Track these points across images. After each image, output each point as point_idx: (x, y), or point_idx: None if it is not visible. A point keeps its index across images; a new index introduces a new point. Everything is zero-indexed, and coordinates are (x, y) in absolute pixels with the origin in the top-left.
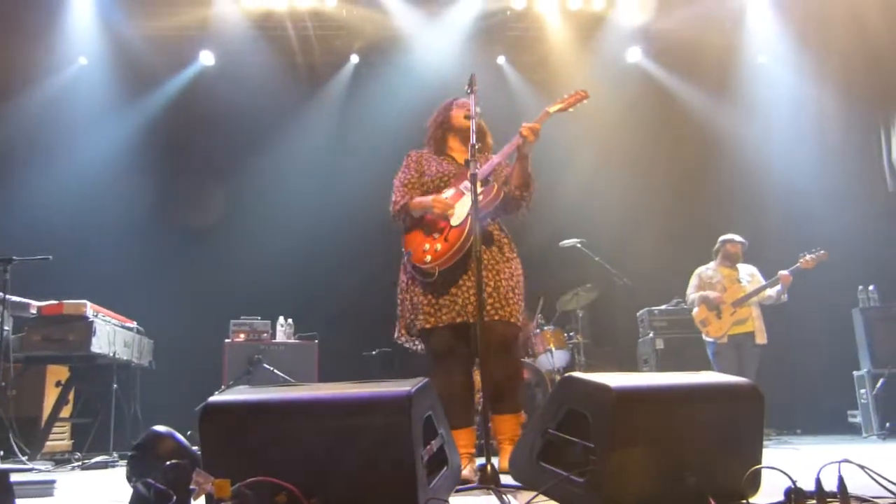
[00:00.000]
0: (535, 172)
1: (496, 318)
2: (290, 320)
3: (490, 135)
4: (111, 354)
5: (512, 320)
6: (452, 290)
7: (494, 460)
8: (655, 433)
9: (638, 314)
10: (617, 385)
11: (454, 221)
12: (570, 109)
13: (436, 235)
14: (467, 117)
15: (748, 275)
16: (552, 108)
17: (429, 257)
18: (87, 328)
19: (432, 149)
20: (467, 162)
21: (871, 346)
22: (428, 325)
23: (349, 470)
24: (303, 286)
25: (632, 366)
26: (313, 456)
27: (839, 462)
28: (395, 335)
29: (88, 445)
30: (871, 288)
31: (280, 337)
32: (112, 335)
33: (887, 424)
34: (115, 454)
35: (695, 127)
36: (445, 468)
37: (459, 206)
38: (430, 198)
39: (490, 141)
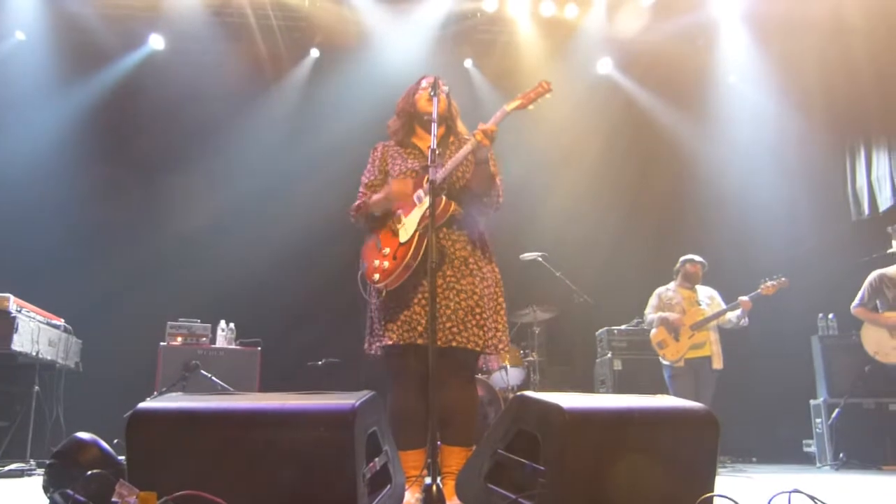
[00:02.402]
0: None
1: (454, 343)
2: (231, 325)
3: (459, 120)
4: (34, 353)
5: (469, 346)
6: (406, 309)
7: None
8: (607, 457)
9: (597, 333)
10: (569, 406)
11: (402, 237)
12: (531, 107)
13: (385, 251)
14: (428, 99)
15: (707, 297)
16: (510, 106)
17: (377, 275)
18: (8, 324)
19: (398, 139)
20: (425, 167)
21: (829, 374)
22: (389, 342)
23: (286, 485)
24: (248, 289)
25: (588, 386)
26: (249, 470)
27: (790, 492)
28: (365, 346)
29: (3, 451)
30: (830, 316)
31: (220, 342)
32: (36, 332)
33: (841, 455)
34: (32, 462)
35: (663, 143)
36: (388, 487)
37: (410, 219)
38: (385, 188)
39: (461, 127)
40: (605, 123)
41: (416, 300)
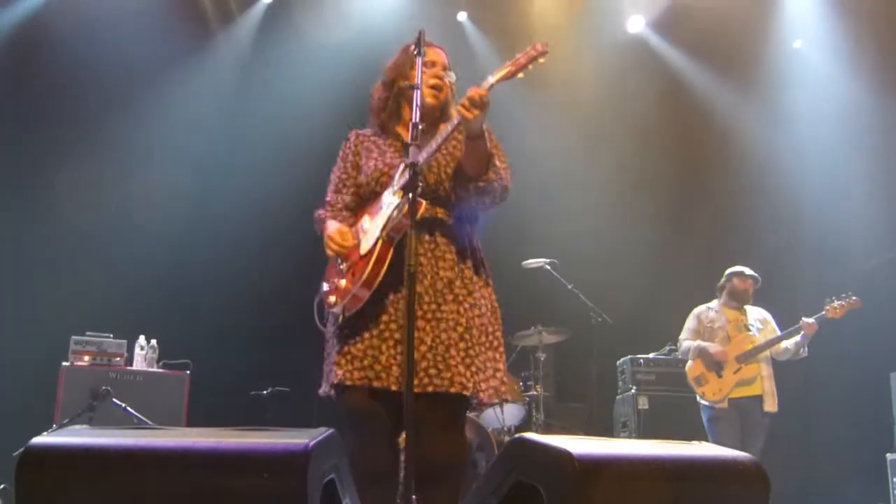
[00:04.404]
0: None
1: (430, 388)
2: (153, 342)
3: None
4: None
5: (453, 390)
6: (360, 340)
7: None
8: None
9: (618, 363)
10: (581, 453)
11: (363, 249)
12: (521, 74)
13: (343, 268)
14: (434, 86)
15: (758, 321)
16: (495, 77)
17: (333, 297)
18: None
19: (380, 120)
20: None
21: None
22: (335, 380)
23: None
24: (175, 297)
25: (607, 429)
26: None
27: None
28: (320, 389)
29: None
30: None
31: (139, 363)
32: None
33: None
34: None
35: (707, 123)
36: None
37: (373, 226)
38: (330, 230)
39: (454, 111)
40: (636, 97)
41: (376, 331)
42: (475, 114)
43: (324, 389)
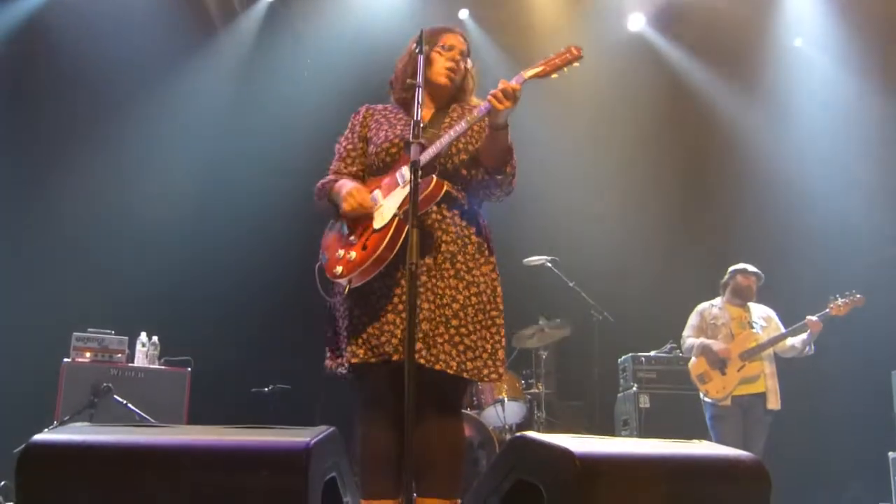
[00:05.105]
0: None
1: (420, 360)
2: (154, 338)
3: (471, 93)
4: None
5: (438, 367)
6: (375, 318)
7: None
8: None
9: (619, 361)
10: (582, 451)
11: (377, 223)
12: (555, 75)
13: (353, 240)
14: (450, 68)
15: (762, 318)
16: (528, 73)
17: (339, 268)
18: None
19: (398, 95)
20: (407, 145)
21: None
22: (355, 360)
23: None
24: (176, 294)
25: (607, 427)
26: None
27: None
28: (327, 363)
29: None
30: None
31: (140, 360)
32: None
33: None
34: None
35: (708, 120)
36: None
37: (389, 202)
38: (350, 186)
39: (474, 100)
40: (637, 95)
41: (389, 305)
42: (506, 105)
43: (338, 366)
